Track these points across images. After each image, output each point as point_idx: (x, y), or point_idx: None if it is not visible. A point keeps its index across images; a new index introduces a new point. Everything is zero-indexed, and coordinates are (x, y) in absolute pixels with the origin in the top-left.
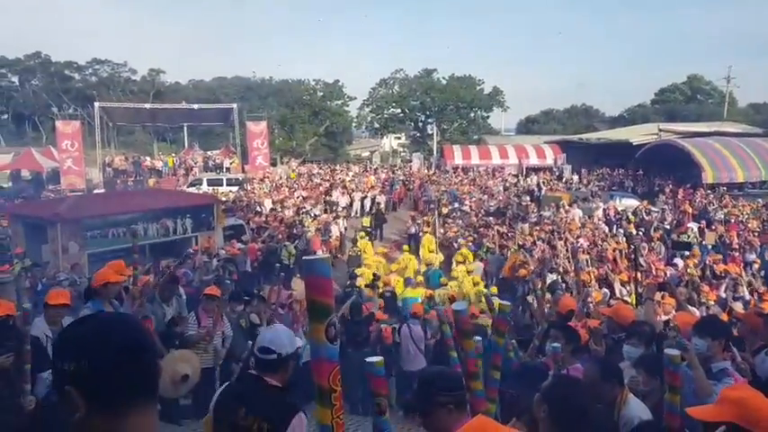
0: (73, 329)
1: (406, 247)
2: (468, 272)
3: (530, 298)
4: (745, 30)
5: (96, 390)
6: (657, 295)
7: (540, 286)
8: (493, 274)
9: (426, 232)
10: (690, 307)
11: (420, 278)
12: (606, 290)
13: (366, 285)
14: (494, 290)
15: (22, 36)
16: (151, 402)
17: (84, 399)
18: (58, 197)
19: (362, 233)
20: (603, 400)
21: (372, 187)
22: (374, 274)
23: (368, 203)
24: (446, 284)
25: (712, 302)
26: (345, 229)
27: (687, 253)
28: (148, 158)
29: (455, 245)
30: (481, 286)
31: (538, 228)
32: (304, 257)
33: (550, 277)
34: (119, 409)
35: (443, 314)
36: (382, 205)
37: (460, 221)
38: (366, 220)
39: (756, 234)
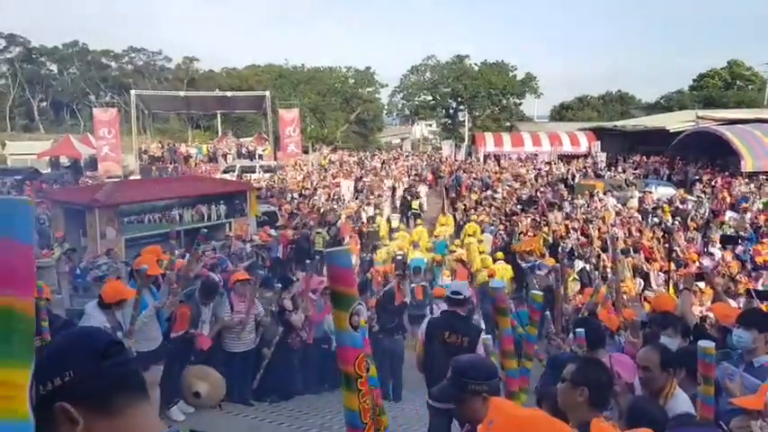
0: (42, 352)
1: (419, 221)
2: (479, 242)
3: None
4: None
5: (89, 395)
6: (695, 286)
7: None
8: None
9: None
10: (727, 298)
11: (429, 245)
12: (641, 279)
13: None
14: (499, 255)
15: (59, 24)
16: (143, 399)
17: (81, 409)
18: (96, 183)
19: (378, 212)
20: (651, 388)
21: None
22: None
23: (400, 193)
24: (453, 251)
25: None
26: (375, 214)
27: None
28: (183, 145)
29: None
30: (486, 254)
31: (571, 216)
32: (326, 250)
33: (579, 265)
34: (113, 409)
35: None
36: (423, 196)
37: (493, 209)
38: (415, 203)
39: None
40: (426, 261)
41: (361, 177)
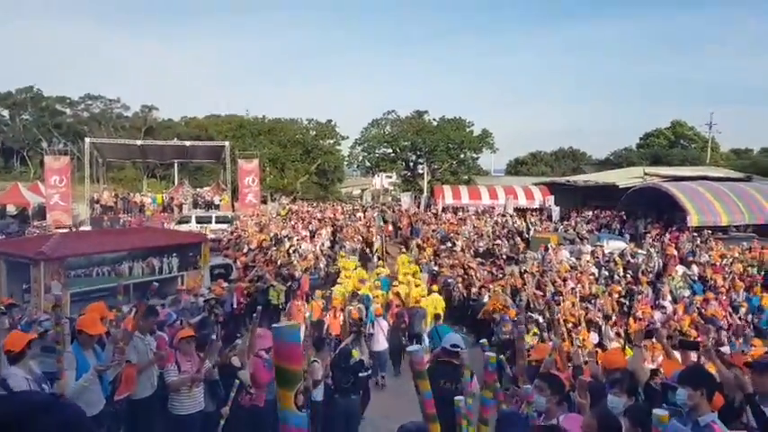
0: (51, 419)
1: (380, 262)
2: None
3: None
4: (727, 78)
5: None
6: (646, 342)
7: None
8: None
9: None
10: (676, 354)
11: (378, 283)
12: (595, 334)
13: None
14: (434, 288)
15: (14, 69)
16: None
17: None
18: (43, 234)
19: (342, 255)
20: None
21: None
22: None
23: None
24: (396, 285)
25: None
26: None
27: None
28: (138, 194)
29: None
30: (421, 286)
31: (525, 270)
32: (273, 325)
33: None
34: None
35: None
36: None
37: (450, 261)
38: (378, 248)
39: (741, 277)
40: (369, 295)
41: (318, 229)
